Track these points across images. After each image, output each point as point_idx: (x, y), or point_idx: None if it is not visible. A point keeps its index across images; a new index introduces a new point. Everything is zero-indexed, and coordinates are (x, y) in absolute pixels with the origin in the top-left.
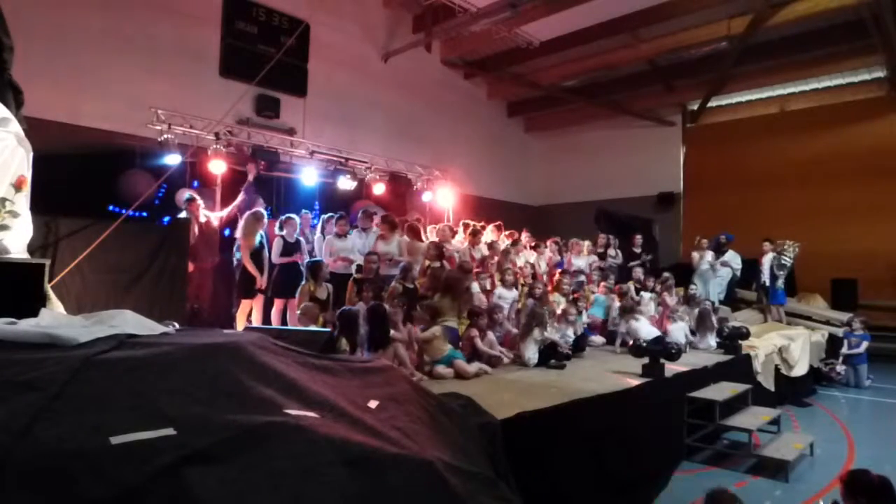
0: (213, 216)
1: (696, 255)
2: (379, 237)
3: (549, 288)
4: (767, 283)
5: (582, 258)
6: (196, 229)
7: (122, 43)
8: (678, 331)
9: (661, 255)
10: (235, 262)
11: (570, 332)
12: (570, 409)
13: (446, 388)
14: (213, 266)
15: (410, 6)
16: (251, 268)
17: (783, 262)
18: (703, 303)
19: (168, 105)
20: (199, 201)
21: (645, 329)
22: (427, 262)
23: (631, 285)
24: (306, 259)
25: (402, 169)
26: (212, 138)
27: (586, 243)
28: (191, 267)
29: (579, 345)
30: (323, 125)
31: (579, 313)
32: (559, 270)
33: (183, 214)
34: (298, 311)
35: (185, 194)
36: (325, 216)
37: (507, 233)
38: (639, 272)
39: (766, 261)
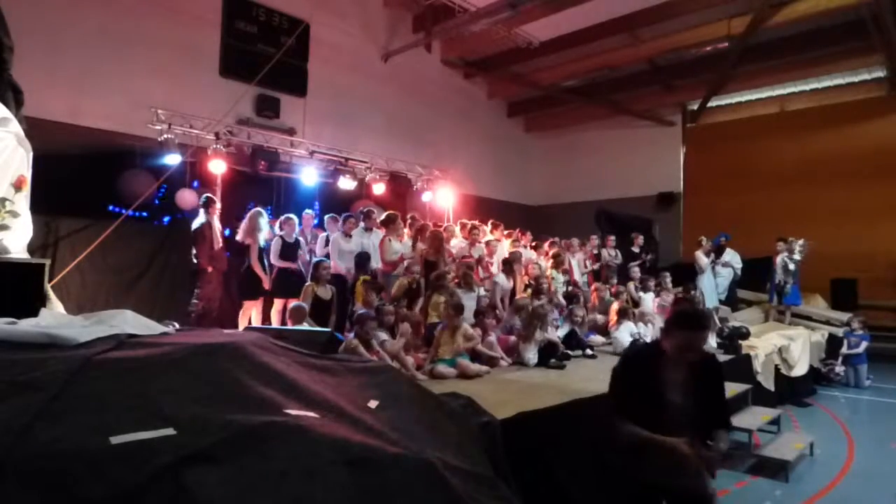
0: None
1: (701, 255)
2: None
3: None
4: (782, 283)
5: (576, 257)
6: (214, 232)
7: (122, 43)
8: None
9: (661, 255)
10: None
11: (567, 327)
12: (570, 409)
13: (446, 388)
14: (228, 268)
15: (410, 6)
16: (258, 269)
17: (790, 261)
18: (702, 303)
19: (168, 105)
20: (218, 204)
21: (623, 336)
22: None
23: (631, 286)
24: (307, 258)
25: (402, 169)
26: (212, 138)
27: (576, 240)
28: (208, 268)
29: (581, 343)
30: (323, 125)
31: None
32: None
33: (201, 219)
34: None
35: (189, 195)
36: (327, 216)
37: (506, 232)
38: (637, 272)
39: (780, 260)
